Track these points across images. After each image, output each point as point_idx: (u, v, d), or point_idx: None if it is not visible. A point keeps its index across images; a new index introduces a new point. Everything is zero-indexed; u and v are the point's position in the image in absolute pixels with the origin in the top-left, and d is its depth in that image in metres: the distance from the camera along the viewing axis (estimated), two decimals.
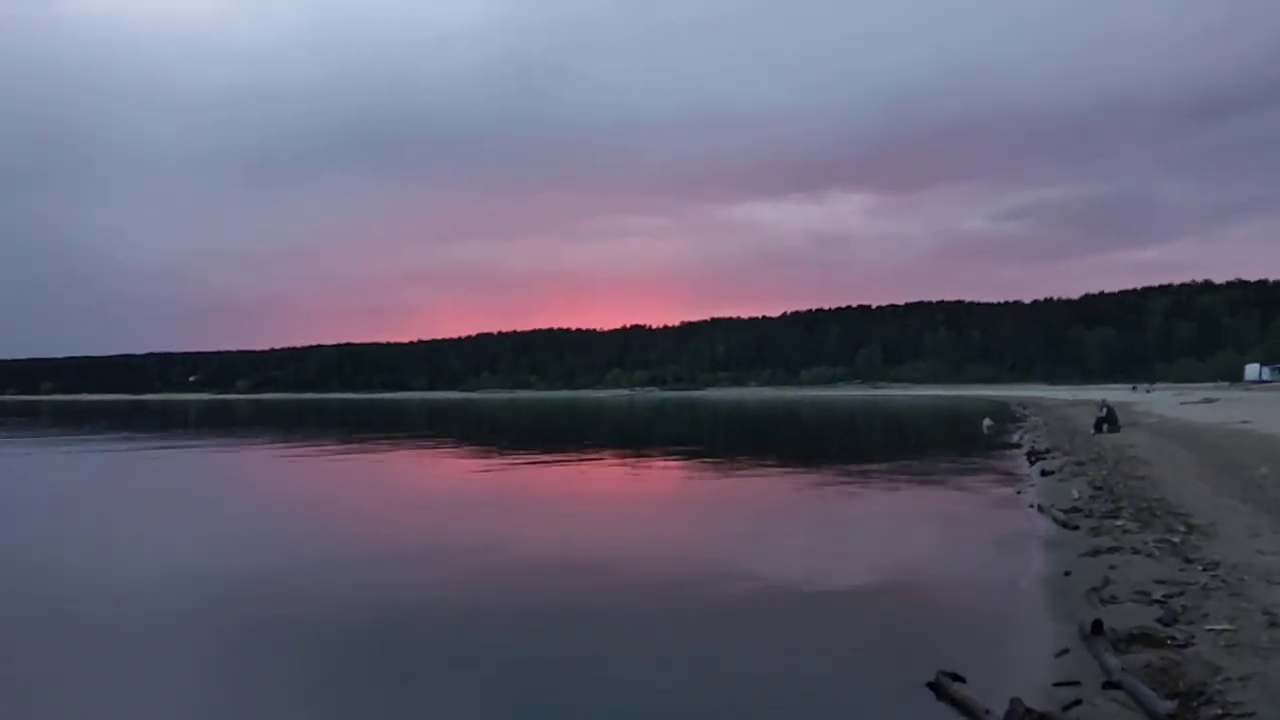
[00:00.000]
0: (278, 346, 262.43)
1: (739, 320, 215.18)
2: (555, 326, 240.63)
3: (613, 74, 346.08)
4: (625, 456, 28.35)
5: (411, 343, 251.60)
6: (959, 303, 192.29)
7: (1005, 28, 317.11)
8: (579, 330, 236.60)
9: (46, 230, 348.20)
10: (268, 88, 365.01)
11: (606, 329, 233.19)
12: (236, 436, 42.52)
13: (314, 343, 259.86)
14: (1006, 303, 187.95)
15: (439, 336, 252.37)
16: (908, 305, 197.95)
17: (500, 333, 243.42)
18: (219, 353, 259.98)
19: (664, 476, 22.80)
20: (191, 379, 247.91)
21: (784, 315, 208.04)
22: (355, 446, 33.82)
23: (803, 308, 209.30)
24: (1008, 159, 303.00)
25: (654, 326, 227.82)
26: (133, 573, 10.74)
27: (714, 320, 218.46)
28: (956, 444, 32.21)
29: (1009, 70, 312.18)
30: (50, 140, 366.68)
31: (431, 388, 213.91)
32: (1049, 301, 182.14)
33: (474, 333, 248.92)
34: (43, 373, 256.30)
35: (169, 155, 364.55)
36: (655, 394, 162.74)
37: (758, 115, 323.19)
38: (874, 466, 23.58)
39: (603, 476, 23.06)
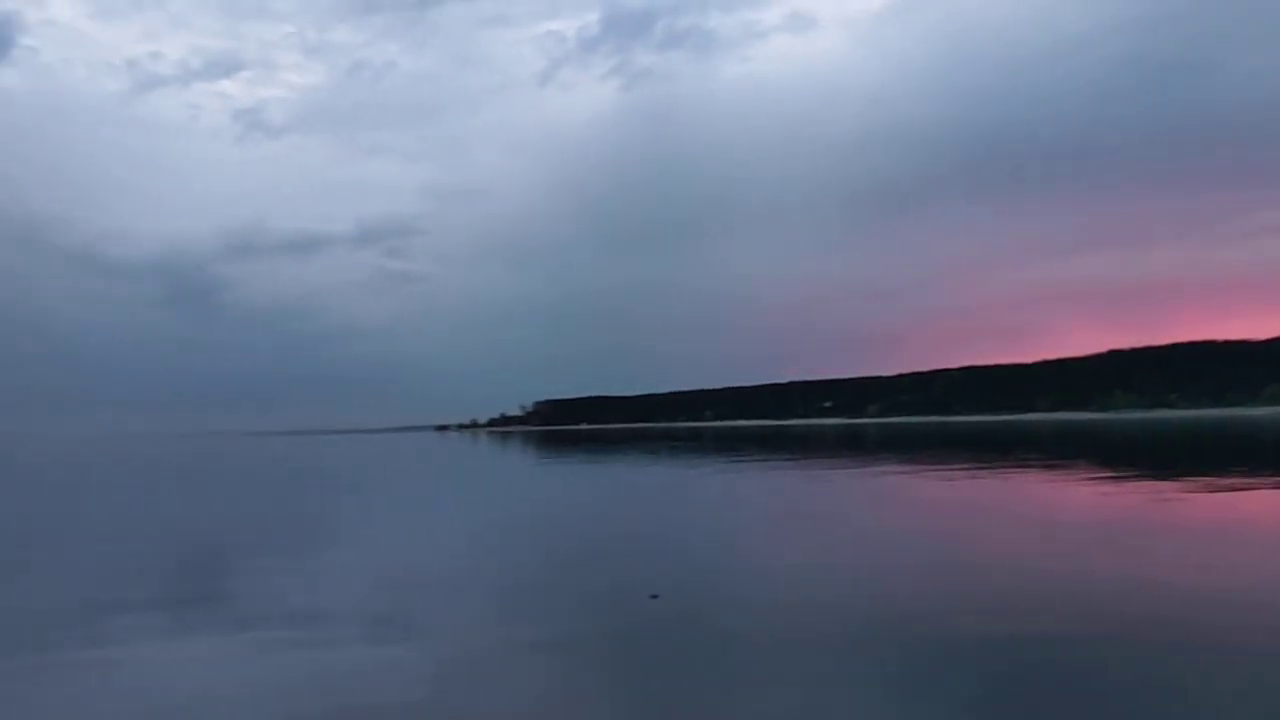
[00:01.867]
0: (905, 371, 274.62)
1: None
2: (1198, 339, 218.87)
3: (1255, 63, 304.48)
4: None
5: (1036, 363, 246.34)
6: None
7: None
8: (1227, 341, 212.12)
9: (707, 276, 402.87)
10: (893, 124, 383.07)
11: (1262, 338, 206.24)
12: (866, 460, 44.20)
13: (939, 366, 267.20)
14: None
15: (1065, 355, 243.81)
16: None
17: (1133, 348, 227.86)
18: (852, 379, 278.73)
19: None
20: (826, 405, 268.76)
21: None
22: (984, 470, 33.26)
23: None
24: None
25: None
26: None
27: None
28: None
29: None
30: (703, 194, 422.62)
31: (1058, 408, 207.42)
32: None
33: (1104, 349, 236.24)
34: (705, 402, 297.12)
35: (804, 199, 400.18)
36: None
37: None
38: None
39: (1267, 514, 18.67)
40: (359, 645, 9.00)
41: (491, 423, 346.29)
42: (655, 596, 10.81)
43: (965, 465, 36.88)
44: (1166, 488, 24.55)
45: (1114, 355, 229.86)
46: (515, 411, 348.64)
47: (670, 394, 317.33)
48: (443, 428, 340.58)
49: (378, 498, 29.56)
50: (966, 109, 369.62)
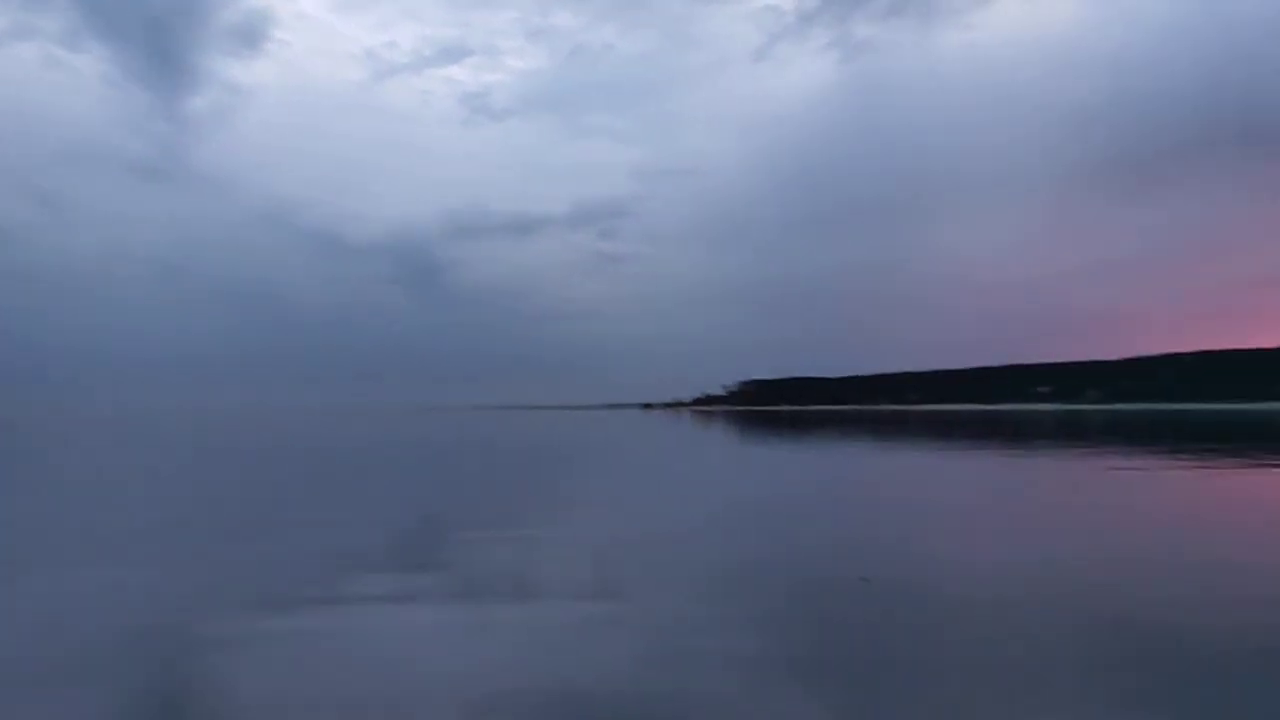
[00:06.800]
0: (1129, 355, 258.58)
1: None
2: None
3: None
4: None
5: (1277, 348, 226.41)
6: None
7: None
8: None
9: (920, 254, 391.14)
10: (1131, 91, 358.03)
11: None
12: (1093, 450, 41.89)
13: (1168, 351, 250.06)
14: None
15: None
16: None
17: None
18: (1070, 363, 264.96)
19: None
20: (1042, 389, 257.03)
21: None
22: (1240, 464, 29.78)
23: None
24: None
25: None
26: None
27: None
28: None
29: None
30: (921, 170, 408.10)
31: None
32: None
33: None
34: (909, 385, 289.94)
35: (1026, 173, 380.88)
36: None
37: None
38: None
39: None
40: (574, 619, 9.09)
41: (695, 402, 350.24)
42: (867, 579, 10.69)
43: (1209, 458, 32.84)
44: None
45: None
46: (718, 391, 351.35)
47: (874, 376, 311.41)
48: (648, 406, 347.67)
49: (593, 474, 28.95)
50: (1216, 74, 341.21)
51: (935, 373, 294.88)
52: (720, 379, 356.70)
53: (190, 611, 9.34)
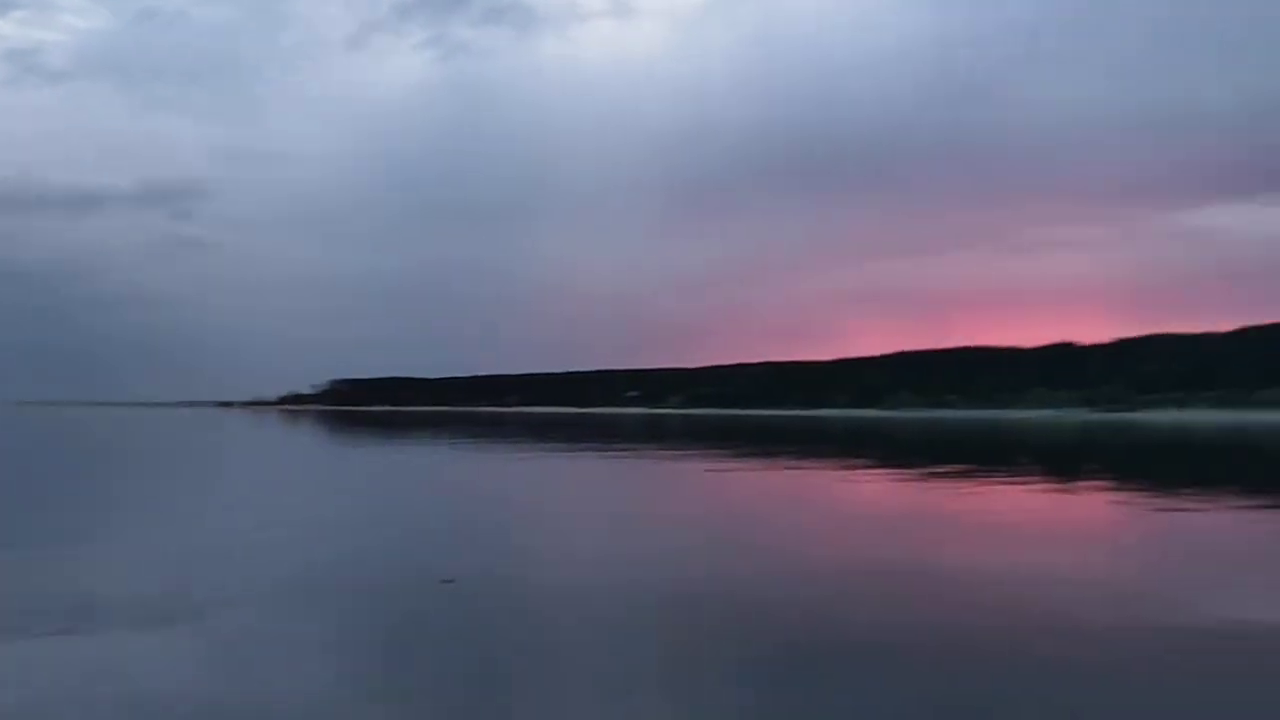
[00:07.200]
0: (707, 365, 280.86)
1: (1182, 336, 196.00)
2: (977, 344, 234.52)
3: (1049, 84, 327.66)
4: (1056, 484, 28.45)
5: (833, 361, 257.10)
6: None
7: None
8: (1001, 347, 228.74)
9: (518, 259, 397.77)
10: (710, 120, 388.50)
11: (1031, 346, 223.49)
12: (671, 448, 47.75)
13: (741, 361, 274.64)
14: None
15: (859, 354, 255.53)
16: None
17: (920, 350, 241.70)
18: (656, 370, 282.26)
19: (1100, 510, 21.20)
20: (630, 394, 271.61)
21: (1238, 330, 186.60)
22: (775, 460, 36.67)
23: (1260, 321, 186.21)
24: None
25: (1084, 343, 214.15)
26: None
27: (1153, 336, 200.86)
28: None
29: None
30: (520, 175, 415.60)
31: (852, 405, 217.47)
32: None
33: (894, 350, 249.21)
34: (509, 387, 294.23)
35: (621, 189, 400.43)
36: (1083, 415, 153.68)
37: (1218, 116, 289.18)
38: None
39: (1027, 505, 21.60)
40: (132, 638, 8.47)
41: (282, 400, 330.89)
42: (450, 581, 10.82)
43: (742, 453, 39.99)
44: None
45: (902, 356, 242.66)
46: (307, 390, 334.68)
47: (473, 378, 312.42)
48: (227, 404, 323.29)
49: (139, 479, 27.27)
50: (780, 112, 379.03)
51: (534, 375, 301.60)
52: (310, 377, 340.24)
53: None
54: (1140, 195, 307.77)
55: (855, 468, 33.94)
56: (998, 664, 7.95)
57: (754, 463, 36.32)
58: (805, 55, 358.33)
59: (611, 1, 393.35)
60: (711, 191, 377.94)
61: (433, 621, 9.17)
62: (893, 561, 13.15)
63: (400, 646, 8.29)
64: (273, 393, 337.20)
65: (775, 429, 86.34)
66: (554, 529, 16.86)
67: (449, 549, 13.91)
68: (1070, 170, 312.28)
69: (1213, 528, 17.68)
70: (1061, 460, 42.20)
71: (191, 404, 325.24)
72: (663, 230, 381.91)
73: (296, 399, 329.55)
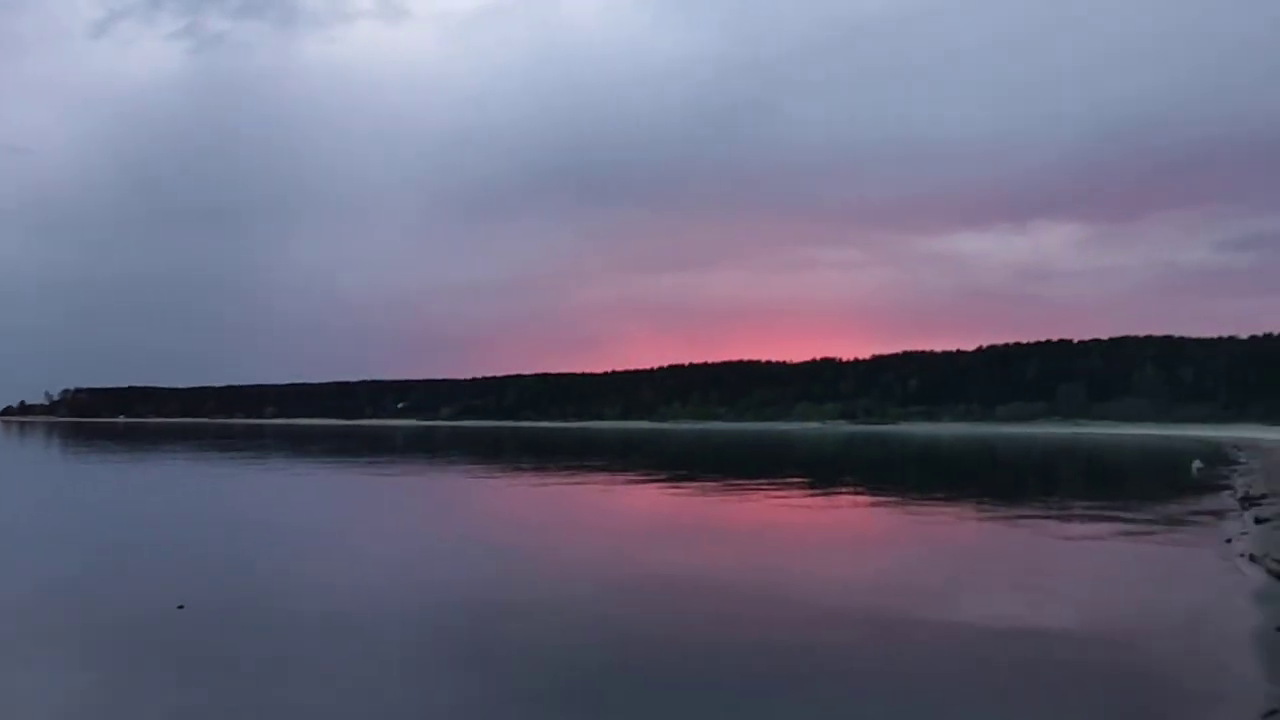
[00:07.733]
0: (479, 376, 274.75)
1: (932, 354, 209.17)
2: (745, 358, 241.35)
3: (817, 110, 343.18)
4: (817, 492, 28.35)
5: (605, 373, 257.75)
6: (1169, 338, 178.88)
7: (1236, 49, 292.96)
8: (768, 362, 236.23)
9: (279, 265, 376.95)
10: (484, 128, 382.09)
11: (796, 361, 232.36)
12: (437, 462, 45.44)
13: (514, 372, 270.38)
14: (1223, 338, 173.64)
15: (632, 367, 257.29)
16: (1113, 339, 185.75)
17: (691, 364, 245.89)
18: (425, 381, 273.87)
19: (858, 514, 22.67)
20: (400, 405, 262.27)
21: (980, 349, 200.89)
22: (548, 474, 35.67)
23: (1000, 341, 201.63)
24: (1235, 186, 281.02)
25: (844, 359, 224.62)
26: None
27: (906, 354, 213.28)
28: (1163, 487, 31.06)
29: (1244, 93, 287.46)
30: (279, 177, 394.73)
31: (624, 418, 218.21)
32: (1269, 337, 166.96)
33: (666, 364, 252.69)
34: (266, 398, 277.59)
35: (390, 194, 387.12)
36: (844, 428, 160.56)
37: (966, 148, 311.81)
38: (1075, 509, 23.40)
39: (794, 511, 22.87)
40: None
41: (6, 411, 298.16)
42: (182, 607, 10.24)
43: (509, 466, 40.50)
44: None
45: (674, 369, 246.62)
46: (39, 400, 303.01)
47: (228, 387, 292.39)
48: None
49: None
50: (557, 123, 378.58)
51: (295, 386, 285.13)
52: (43, 386, 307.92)
53: None
54: (895, 220, 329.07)
55: (627, 481, 33.12)
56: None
57: (519, 476, 35.40)
58: (583, 68, 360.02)
59: (379, 2, 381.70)
60: (486, 199, 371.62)
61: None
62: (668, 573, 13.12)
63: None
64: None
65: (547, 440, 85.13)
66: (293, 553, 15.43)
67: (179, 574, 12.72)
68: (832, 193, 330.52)
69: (955, 530, 18.95)
70: (825, 470, 42.02)
71: None
72: (435, 238, 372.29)
73: (25, 409, 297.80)
